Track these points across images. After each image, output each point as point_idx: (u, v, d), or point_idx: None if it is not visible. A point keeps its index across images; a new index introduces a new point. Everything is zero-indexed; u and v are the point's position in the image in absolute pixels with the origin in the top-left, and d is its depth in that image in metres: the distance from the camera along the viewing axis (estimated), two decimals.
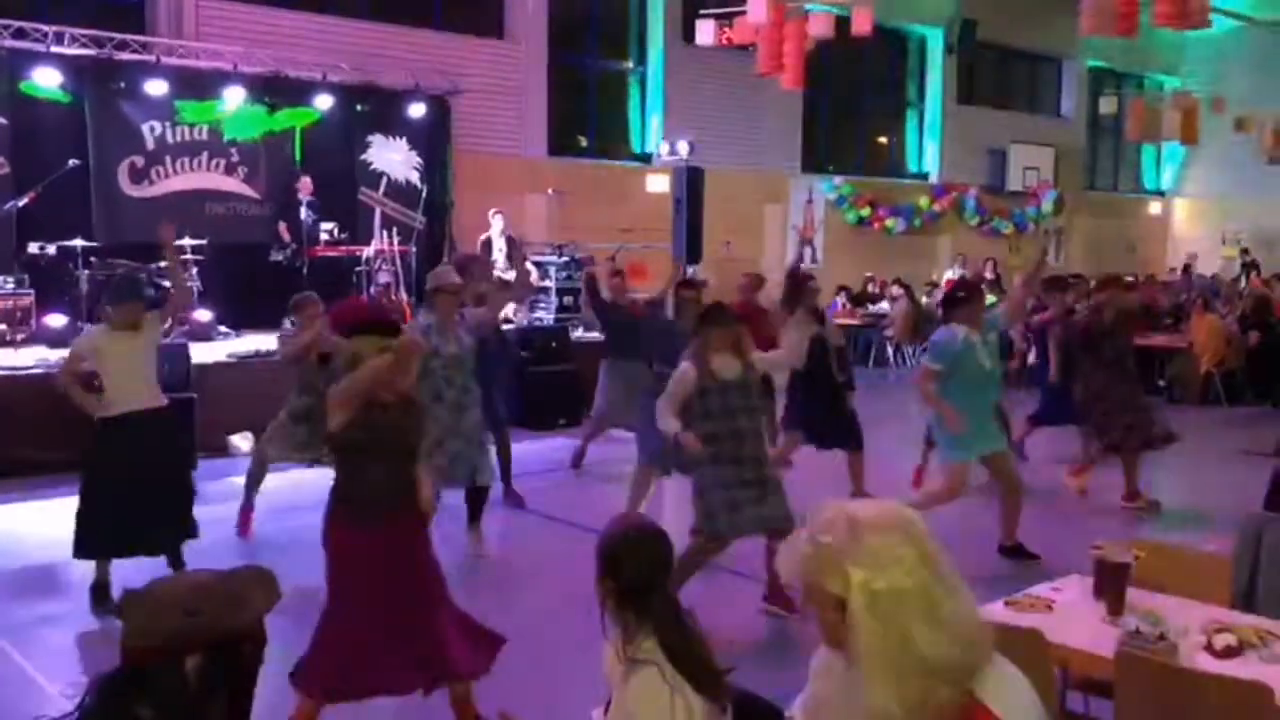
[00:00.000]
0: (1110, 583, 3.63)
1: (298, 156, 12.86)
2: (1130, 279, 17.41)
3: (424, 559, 4.29)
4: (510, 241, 13.18)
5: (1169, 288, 18.53)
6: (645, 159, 16.85)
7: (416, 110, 13.46)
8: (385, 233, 13.04)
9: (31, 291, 10.33)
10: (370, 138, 13.47)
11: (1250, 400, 13.17)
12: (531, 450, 9.74)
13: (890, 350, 16.64)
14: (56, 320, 10.22)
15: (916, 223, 20.07)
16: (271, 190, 12.61)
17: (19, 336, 9.95)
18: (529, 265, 13.17)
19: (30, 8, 11.51)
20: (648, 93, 16.94)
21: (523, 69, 15.28)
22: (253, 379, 9.46)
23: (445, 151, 13.98)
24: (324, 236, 12.39)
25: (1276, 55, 20.84)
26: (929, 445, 7.95)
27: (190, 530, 6.08)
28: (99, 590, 5.85)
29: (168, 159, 12.00)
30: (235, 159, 12.45)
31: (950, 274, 18.00)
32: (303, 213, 12.15)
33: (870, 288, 18.27)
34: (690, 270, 14.37)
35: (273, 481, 7.32)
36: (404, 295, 12.57)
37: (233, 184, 12.48)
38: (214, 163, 12.33)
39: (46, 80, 10.94)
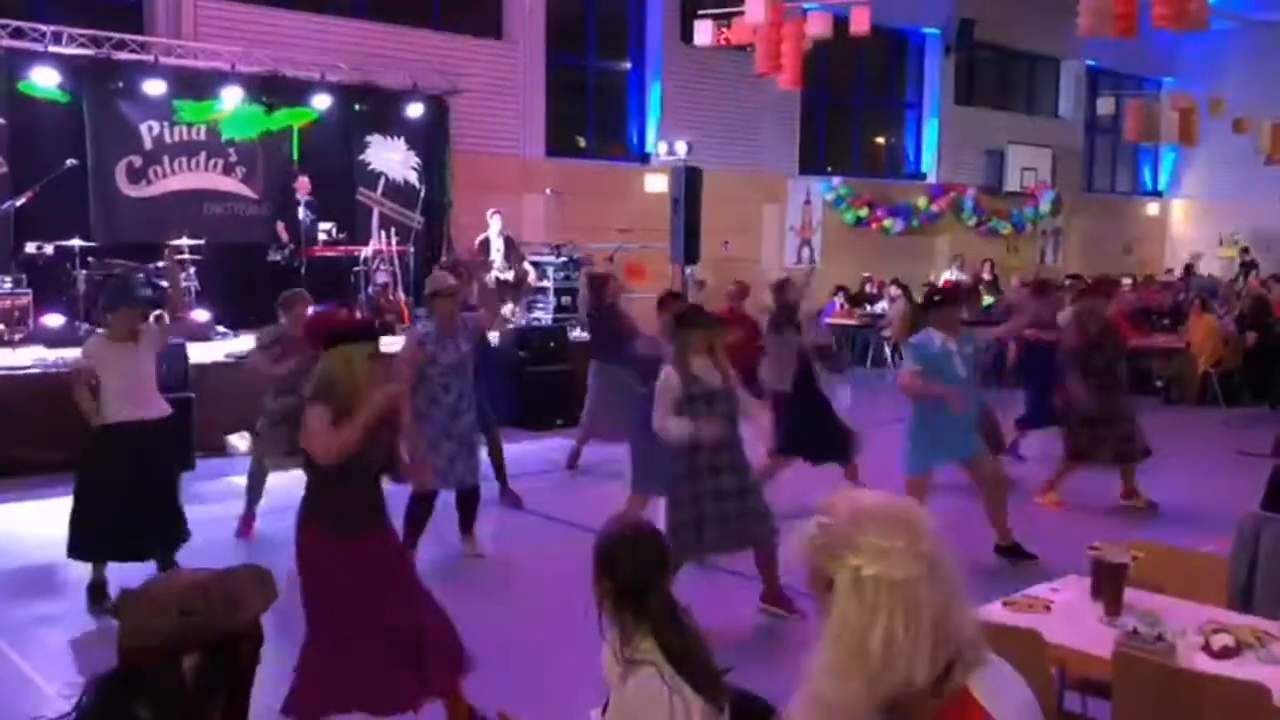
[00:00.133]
0: (1108, 583, 3.64)
1: (296, 156, 12.84)
2: (1128, 280, 17.53)
3: (404, 571, 4.28)
4: (508, 242, 13.20)
5: (1167, 288, 18.55)
6: (643, 159, 16.84)
7: (415, 110, 13.45)
8: (383, 233, 13.04)
9: (29, 291, 10.30)
10: (368, 138, 13.45)
11: (1247, 401, 13.17)
12: (529, 450, 9.75)
13: (888, 350, 16.63)
14: (54, 320, 10.21)
15: (914, 223, 20.07)
16: (269, 190, 12.60)
17: (16, 336, 9.93)
18: (527, 265, 13.24)
19: (28, 7, 11.51)
20: (646, 93, 16.94)
21: (521, 69, 15.28)
22: (250, 379, 9.42)
23: (443, 151, 13.97)
24: (322, 236, 12.38)
25: (1274, 56, 20.86)
26: None
27: (181, 535, 6.14)
28: (96, 590, 5.89)
29: (165, 159, 11.98)
30: (233, 159, 12.43)
31: (948, 274, 18.01)
32: (301, 213, 12.14)
33: (868, 288, 18.27)
34: (689, 271, 14.42)
35: (271, 480, 7.31)
36: (402, 295, 12.57)
37: (231, 184, 12.46)
38: (212, 162, 12.31)
39: (44, 80, 10.93)
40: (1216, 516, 5.63)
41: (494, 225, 13.07)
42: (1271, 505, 4.40)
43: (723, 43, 13.77)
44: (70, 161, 10.77)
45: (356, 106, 13.16)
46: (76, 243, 10.52)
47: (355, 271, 12.41)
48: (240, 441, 9.24)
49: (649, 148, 16.78)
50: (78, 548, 5.90)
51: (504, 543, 7.24)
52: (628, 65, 17.11)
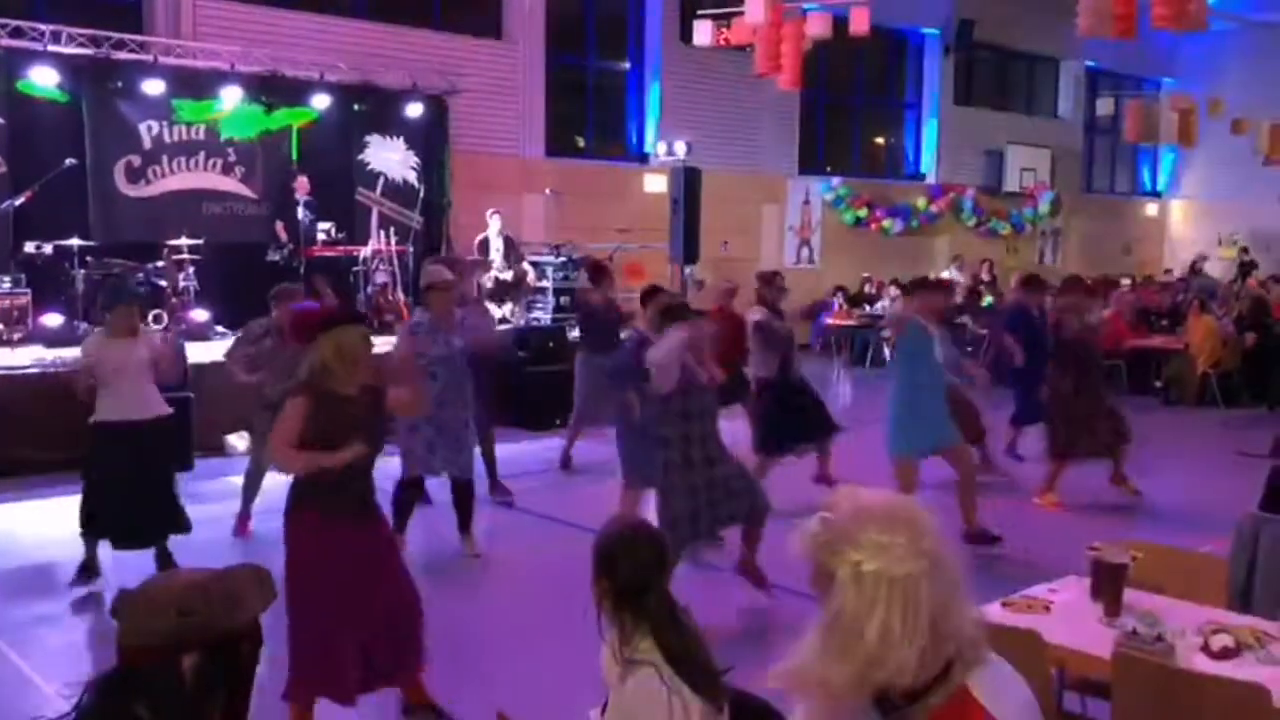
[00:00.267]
0: (1107, 584, 3.64)
1: (295, 156, 12.83)
2: (1127, 280, 17.53)
3: (390, 557, 4.30)
4: (508, 242, 13.20)
5: (1166, 288, 18.54)
6: (643, 159, 16.83)
7: (414, 110, 13.44)
8: (382, 233, 13.04)
9: (28, 291, 10.30)
10: (368, 137, 13.44)
11: (1246, 402, 13.16)
12: (528, 450, 9.75)
13: (887, 351, 16.62)
14: (53, 320, 10.20)
15: (914, 223, 20.07)
16: (268, 190, 12.59)
17: (15, 336, 9.93)
18: (526, 265, 13.24)
19: (28, 7, 11.50)
20: (645, 93, 16.94)
21: (520, 69, 15.27)
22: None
23: (443, 151, 13.96)
24: (321, 236, 12.37)
25: (1274, 57, 20.86)
26: None
27: (182, 525, 6.28)
28: (85, 568, 6.16)
29: (165, 158, 11.97)
30: (232, 158, 12.42)
31: (947, 274, 18.00)
32: (300, 212, 12.13)
33: (867, 288, 18.29)
34: (688, 271, 14.43)
35: (268, 480, 7.30)
36: (401, 295, 12.57)
37: (230, 184, 12.45)
38: (211, 162, 12.30)
39: (44, 79, 10.92)
40: (1215, 517, 5.63)
41: (493, 225, 13.08)
42: (1270, 506, 4.40)
43: (722, 43, 13.77)
44: (69, 161, 10.76)
45: (356, 106, 13.15)
46: (75, 242, 10.51)
47: (354, 271, 12.40)
48: (239, 441, 9.24)
49: (648, 148, 16.77)
50: (91, 527, 6.17)
51: (502, 542, 7.23)
52: (627, 65, 17.11)
